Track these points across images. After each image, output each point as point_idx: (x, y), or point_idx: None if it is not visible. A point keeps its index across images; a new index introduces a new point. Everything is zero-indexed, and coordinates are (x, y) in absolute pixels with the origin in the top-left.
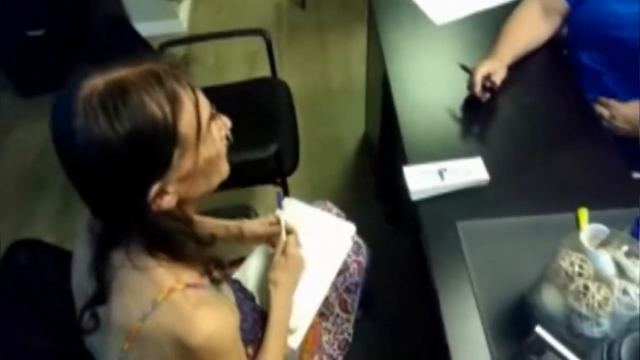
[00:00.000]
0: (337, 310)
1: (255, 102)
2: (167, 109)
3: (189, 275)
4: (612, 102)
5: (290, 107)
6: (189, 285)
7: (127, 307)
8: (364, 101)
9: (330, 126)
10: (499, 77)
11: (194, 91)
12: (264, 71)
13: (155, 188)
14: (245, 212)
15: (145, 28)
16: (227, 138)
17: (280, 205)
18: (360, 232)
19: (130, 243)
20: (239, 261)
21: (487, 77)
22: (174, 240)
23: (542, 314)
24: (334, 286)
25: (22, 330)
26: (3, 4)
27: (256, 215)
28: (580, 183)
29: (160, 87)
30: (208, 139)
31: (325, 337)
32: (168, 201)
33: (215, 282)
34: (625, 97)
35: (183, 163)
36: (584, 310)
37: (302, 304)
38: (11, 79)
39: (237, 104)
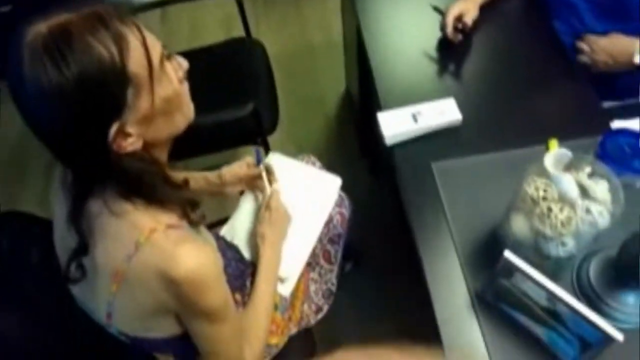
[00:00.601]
0: (321, 261)
1: (230, 63)
2: (114, 49)
3: (168, 217)
4: (591, 37)
5: (266, 66)
6: (169, 226)
7: (111, 251)
8: (343, 58)
9: (311, 85)
10: (470, 18)
11: (140, 30)
12: (240, 35)
13: (113, 129)
14: None
15: None
16: (187, 79)
17: (259, 161)
18: (344, 187)
19: (105, 191)
20: (225, 220)
21: (459, 18)
22: (143, 182)
23: (511, 241)
24: (319, 237)
25: (12, 305)
26: None
27: None
28: (552, 117)
29: (105, 28)
30: (163, 79)
31: (312, 287)
32: (132, 143)
33: (193, 224)
34: (602, 30)
35: (139, 103)
36: (548, 231)
37: (292, 254)
38: None
39: (212, 66)
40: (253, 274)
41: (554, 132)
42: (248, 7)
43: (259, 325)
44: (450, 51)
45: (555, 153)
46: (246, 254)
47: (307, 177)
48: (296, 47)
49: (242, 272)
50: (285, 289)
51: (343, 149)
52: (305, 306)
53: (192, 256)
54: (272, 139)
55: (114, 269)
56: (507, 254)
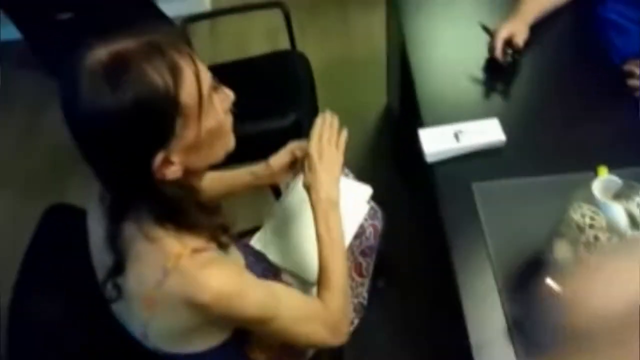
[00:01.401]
0: (352, 274)
1: (274, 74)
2: (168, 78)
3: (195, 241)
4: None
5: (309, 79)
6: (194, 250)
7: (142, 277)
8: (385, 72)
9: (352, 98)
10: (521, 39)
11: (194, 61)
12: (285, 47)
13: (159, 157)
14: None
15: (170, 8)
16: (232, 111)
17: None
18: (379, 200)
19: (140, 214)
20: (254, 230)
21: (509, 41)
22: (179, 209)
23: (554, 268)
24: (350, 249)
25: (56, 293)
26: None
27: (278, 186)
28: (601, 143)
29: (162, 57)
30: (210, 110)
31: None
32: (174, 171)
33: (222, 246)
34: None
35: (186, 133)
36: None
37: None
38: (43, 61)
39: (256, 77)
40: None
41: (602, 158)
42: (293, 18)
43: (338, 283)
44: (496, 70)
45: (604, 179)
46: (278, 260)
47: (340, 186)
48: (339, 59)
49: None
50: None
51: (380, 163)
52: None
53: (215, 278)
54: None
55: (145, 295)
56: (550, 281)
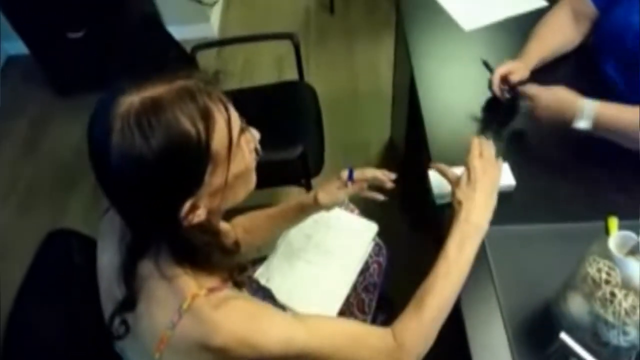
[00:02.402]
0: (355, 310)
1: (282, 104)
2: (201, 126)
3: (211, 281)
4: (534, 88)
5: (316, 110)
6: (210, 290)
7: (155, 317)
8: (390, 106)
9: (356, 131)
10: (517, 77)
11: (226, 107)
12: (292, 75)
13: (187, 205)
14: None
15: (177, 31)
16: (256, 151)
17: (350, 178)
18: (383, 237)
19: (159, 253)
20: (260, 260)
21: (505, 77)
22: (200, 252)
23: (567, 322)
24: (353, 285)
25: (54, 318)
26: (47, 8)
27: None
28: (610, 191)
29: (194, 104)
30: (238, 154)
31: None
32: (198, 215)
33: (238, 285)
34: None
35: (214, 179)
36: (610, 317)
37: (327, 297)
38: (50, 78)
39: (264, 106)
40: None
41: (614, 207)
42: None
43: (432, 311)
44: (507, 115)
45: (620, 235)
46: (281, 297)
47: (345, 222)
48: (343, 91)
49: None
50: None
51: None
52: None
53: (229, 320)
54: (313, 182)
55: (158, 335)
56: (564, 336)
